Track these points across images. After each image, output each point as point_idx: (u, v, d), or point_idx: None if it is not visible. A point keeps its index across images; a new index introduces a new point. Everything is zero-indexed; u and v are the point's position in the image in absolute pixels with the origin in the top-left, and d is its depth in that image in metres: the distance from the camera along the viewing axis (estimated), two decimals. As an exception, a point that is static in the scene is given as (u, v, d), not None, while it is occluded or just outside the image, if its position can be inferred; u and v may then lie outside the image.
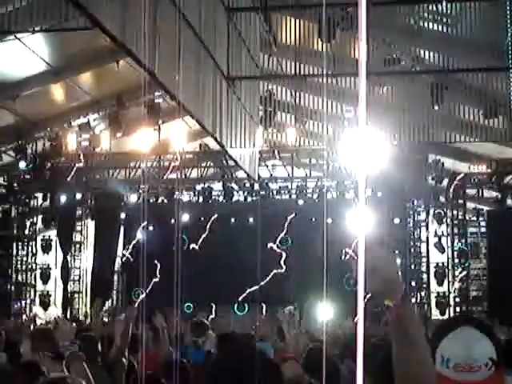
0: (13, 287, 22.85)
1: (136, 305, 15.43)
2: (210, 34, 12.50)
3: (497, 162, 21.50)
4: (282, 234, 23.60)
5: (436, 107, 14.87)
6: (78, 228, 24.13)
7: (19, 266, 23.27)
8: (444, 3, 14.35)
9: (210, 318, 21.25)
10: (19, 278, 23.23)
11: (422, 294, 22.75)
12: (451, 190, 22.61)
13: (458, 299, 22.78)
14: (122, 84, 18.76)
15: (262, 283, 23.14)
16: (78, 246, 24.05)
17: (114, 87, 19.18)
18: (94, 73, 18.48)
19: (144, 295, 22.92)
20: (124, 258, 24.41)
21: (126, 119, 19.70)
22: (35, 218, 23.51)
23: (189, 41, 11.09)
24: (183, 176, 23.66)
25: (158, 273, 23.81)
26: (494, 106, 14.92)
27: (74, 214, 23.69)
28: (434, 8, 15.12)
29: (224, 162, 22.68)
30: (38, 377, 5.52)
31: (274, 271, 23.49)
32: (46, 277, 23.45)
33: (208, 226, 23.93)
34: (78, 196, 23.50)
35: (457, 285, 22.80)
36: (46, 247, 23.49)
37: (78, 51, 16.62)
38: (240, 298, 23.06)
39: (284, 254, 23.53)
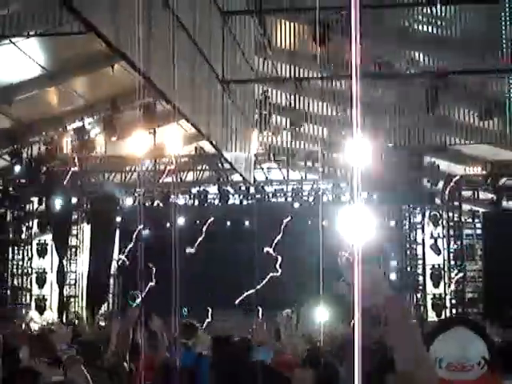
0: (9, 291, 22.82)
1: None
2: (205, 38, 12.51)
3: (492, 164, 21.52)
4: (278, 237, 23.59)
5: (431, 109, 14.89)
6: (74, 232, 24.10)
7: (15, 270, 23.24)
8: (438, 6, 14.38)
9: (206, 321, 21.25)
10: (15, 282, 23.19)
11: (418, 295, 22.76)
12: (447, 192, 22.63)
13: (453, 301, 22.78)
14: (116, 88, 18.75)
15: (259, 286, 23.14)
16: (73, 249, 24.01)
17: (108, 91, 19.18)
18: (88, 77, 18.48)
19: (140, 298, 22.99)
20: (120, 262, 24.39)
21: (120, 123, 19.70)
22: (31, 222, 23.48)
23: (183, 44, 11.09)
24: (179, 179, 23.65)
25: (154, 277, 23.81)
26: (488, 108, 14.96)
27: (69, 217, 23.66)
28: (428, 11, 15.16)
29: (219, 165, 22.67)
30: (36, 382, 5.51)
31: (271, 274, 23.48)
32: (41, 281, 23.41)
33: (204, 230, 23.91)
34: (74, 200, 23.46)
35: (453, 287, 22.81)
36: (42, 251, 23.46)
37: (72, 55, 16.61)
38: (237, 302, 23.03)
39: (280, 258, 23.51)
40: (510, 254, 20.50)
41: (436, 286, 22.64)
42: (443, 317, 21.80)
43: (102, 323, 19.41)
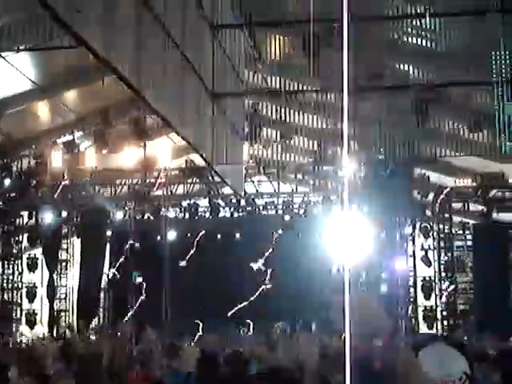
0: (-2, 306, 22.73)
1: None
2: (195, 51, 12.52)
3: (482, 176, 21.57)
4: (269, 250, 23.62)
5: (421, 122, 14.93)
6: (64, 246, 24.04)
7: (5, 284, 23.13)
8: (427, 18, 14.44)
9: (197, 334, 21.21)
10: (5, 296, 23.08)
11: (410, 308, 22.74)
12: (437, 204, 22.67)
13: (445, 313, 22.79)
14: (107, 101, 18.75)
15: (251, 299, 23.17)
16: (63, 264, 23.95)
17: (99, 105, 19.16)
18: (79, 90, 18.46)
19: (132, 312, 22.95)
20: (110, 276, 24.34)
21: (111, 136, 19.67)
22: (21, 237, 23.39)
23: (174, 58, 11.10)
24: (169, 192, 23.64)
25: (144, 290, 23.79)
26: (477, 120, 15.00)
27: (59, 231, 23.60)
28: (418, 23, 15.21)
29: (210, 178, 22.67)
30: None
31: (262, 287, 23.49)
32: (32, 295, 23.33)
33: (195, 243, 23.91)
34: (64, 214, 23.40)
35: (444, 298, 22.82)
36: (32, 266, 23.38)
37: (62, 69, 16.60)
38: (228, 314, 23.01)
39: (271, 270, 23.52)
40: (500, 266, 20.55)
41: (427, 297, 22.65)
42: (435, 329, 21.81)
43: (93, 337, 19.35)
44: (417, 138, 15.37)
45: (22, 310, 23.33)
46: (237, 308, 23.10)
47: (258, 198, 23.82)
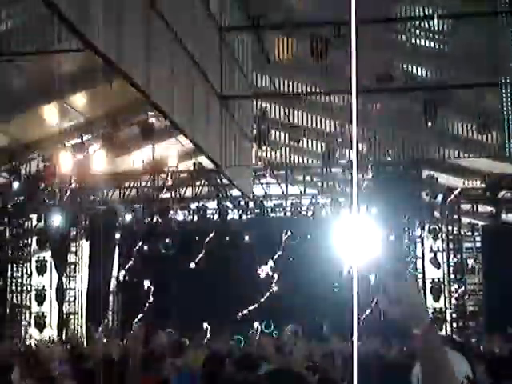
0: (8, 309, 22.75)
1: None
2: (203, 54, 12.53)
3: (491, 177, 21.51)
4: (278, 252, 23.60)
5: (429, 123, 14.90)
6: (73, 249, 24.05)
7: (14, 287, 23.18)
8: (436, 20, 14.42)
9: (206, 336, 21.19)
10: (14, 299, 23.12)
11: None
12: (446, 206, 22.62)
13: (454, 315, 22.73)
14: (115, 104, 18.78)
15: (261, 301, 23.14)
16: (72, 266, 23.95)
17: (107, 108, 19.19)
18: (87, 93, 18.49)
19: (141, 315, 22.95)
20: (119, 279, 24.36)
21: (120, 139, 19.70)
22: (30, 240, 23.43)
23: (182, 61, 11.11)
24: (178, 195, 23.66)
25: (153, 293, 23.79)
26: (486, 122, 14.97)
27: (68, 234, 23.62)
28: (426, 25, 15.20)
29: (218, 180, 22.68)
30: None
31: (272, 289, 23.46)
32: (41, 298, 23.34)
33: (203, 245, 23.90)
34: (73, 217, 23.42)
35: (453, 300, 22.76)
36: (41, 269, 23.40)
37: (70, 72, 16.62)
38: (238, 316, 22.99)
39: (280, 272, 23.50)
40: (509, 267, 20.47)
41: (436, 299, 22.57)
42: (444, 331, 21.73)
43: (103, 340, 19.36)
44: (426, 139, 15.35)
45: (31, 313, 23.35)
46: (247, 310, 23.08)
47: (266, 200, 23.80)
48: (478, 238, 23.46)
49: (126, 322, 22.66)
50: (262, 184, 23.26)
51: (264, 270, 23.62)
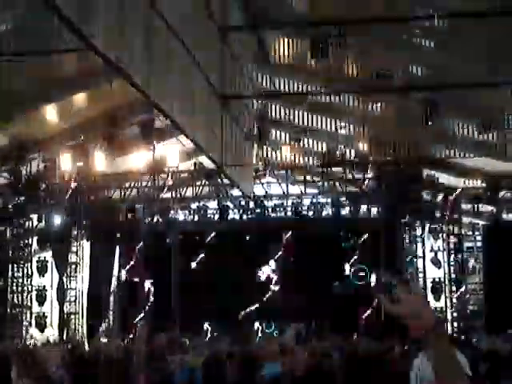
0: (8, 309, 22.74)
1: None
2: (204, 53, 12.51)
3: (491, 177, 21.50)
4: (279, 252, 23.64)
5: (430, 123, 14.90)
6: (74, 249, 24.04)
7: (15, 287, 23.16)
8: (436, 20, 14.40)
9: (207, 336, 21.23)
10: (15, 299, 23.10)
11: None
12: (447, 205, 22.61)
13: (455, 314, 22.74)
14: (116, 104, 18.77)
15: (263, 300, 23.17)
16: (73, 266, 23.94)
17: (108, 108, 19.18)
18: (87, 93, 18.48)
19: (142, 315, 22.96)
20: (120, 278, 24.38)
21: (120, 139, 19.69)
22: (30, 240, 23.42)
23: (182, 60, 11.10)
24: (178, 195, 23.66)
25: (154, 292, 23.81)
26: (487, 122, 14.97)
27: (69, 234, 23.61)
28: (427, 24, 15.19)
29: (219, 180, 22.67)
30: None
31: (273, 289, 23.50)
32: (41, 298, 23.32)
33: (204, 245, 23.92)
34: (73, 217, 23.42)
35: (454, 300, 22.76)
36: (42, 269, 23.38)
37: (71, 72, 16.62)
38: (239, 316, 23.01)
39: (282, 271, 23.54)
40: (510, 266, 20.48)
41: (437, 299, 22.57)
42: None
43: (103, 340, 19.37)
44: (426, 139, 15.35)
45: (31, 313, 23.33)
46: (248, 310, 23.10)
47: (267, 200, 23.80)
48: (478, 238, 23.47)
49: (126, 322, 22.69)
50: (262, 184, 23.26)
51: (264, 271, 23.65)
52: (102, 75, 15.70)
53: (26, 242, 23.42)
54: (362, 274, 22.87)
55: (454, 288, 22.80)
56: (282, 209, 23.90)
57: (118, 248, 24.37)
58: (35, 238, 23.32)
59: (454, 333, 21.70)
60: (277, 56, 15.98)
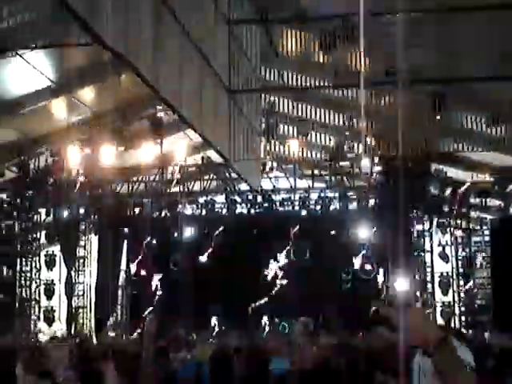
0: (17, 303, 22.79)
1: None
2: (211, 47, 12.52)
3: (499, 171, 21.45)
4: (287, 247, 23.64)
5: (438, 117, 14.86)
6: (82, 243, 24.08)
7: (23, 281, 23.21)
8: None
9: (215, 331, 21.26)
10: (23, 293, 23.15)
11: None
12: (454, 199, 22.56)
13: (463, 308, 22.71)
14: (124, 98, 18.76)
15: (271, 295, 23.18)
16: (81, 261, 23.98)
17: (116, 102, 19.17)
18: (96, 87, 18.47)
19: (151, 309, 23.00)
20: (128, 273, 24.42)
21: (128, 133, 19.71)
22: (39, 234, 23.45)
23: (190, 54, 11.10)
24: (186, 189, 23.67)
25: (162, 287, 23.85)
26: (496, 115, 14.92)
27: (77, 228, 23.65)
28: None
29: (227, 174, 22.68)
30: None
31: (281, 283, 23.50)
32: (50, 292, 23.37)
33: (212, 239, 23.93)
34: (82, 211, 23.46)
35: (462, 294, 22.74)
36: (50, 263, 23.41)
37: (79, 66, 16.62)
38: (248, 311, 23.02)
39: (290, 266, 23.54)
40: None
41: (445, 293, 22.55)
42: (452, 325, 21.71)
43: (111, 334, 19.44)
44: (434, 133, 15.31)
45: (40, 308, 23.37)
46: (256, 304, 23.11)
47: (274, 194, 23.80)
48: (486, 232, 23.43)
49: (134, 316, 22.73)
50: (270, 178, 23.26)
51: (273, 265, 23.66)
52: (111, 69, 15.71)
53: (35, 236, 23.44)
54: (369, 268, 22.89)
55: (461, 282, 22.78)
56: (289, 203, 23.90)
57: (125, 242, 24.40)
58: (43, 232, 23.36)
59: (462, 327, 21.68)
60: (285, 49, 15.94)
